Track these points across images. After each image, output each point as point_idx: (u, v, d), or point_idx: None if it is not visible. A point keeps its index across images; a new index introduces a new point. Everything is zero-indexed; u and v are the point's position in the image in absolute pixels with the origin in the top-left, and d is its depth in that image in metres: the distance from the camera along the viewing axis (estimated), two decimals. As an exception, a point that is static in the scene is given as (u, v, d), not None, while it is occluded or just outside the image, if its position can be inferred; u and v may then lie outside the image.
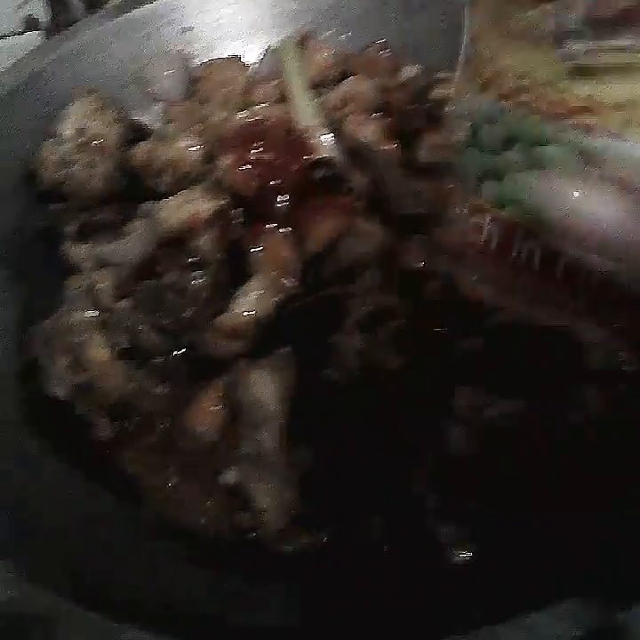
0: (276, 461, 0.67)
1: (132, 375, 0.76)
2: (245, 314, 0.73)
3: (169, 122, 0.97)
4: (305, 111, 0.91)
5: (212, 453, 0.73)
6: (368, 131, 0.87)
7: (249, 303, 0.74)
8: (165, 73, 1.02)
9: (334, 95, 0.93)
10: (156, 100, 1.02)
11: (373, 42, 1.03)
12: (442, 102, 0.86)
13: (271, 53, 1.02)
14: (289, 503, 0.67)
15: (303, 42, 1.00)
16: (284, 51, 0.99)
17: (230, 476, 0.70)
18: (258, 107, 0.94)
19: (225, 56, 1.04)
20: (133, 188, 0.90)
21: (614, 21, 0.56)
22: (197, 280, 0.79)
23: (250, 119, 0.90)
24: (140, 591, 0.59)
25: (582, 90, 0.58)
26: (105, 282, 0.81)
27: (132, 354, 0.77)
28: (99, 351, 0.75)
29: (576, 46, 0.58)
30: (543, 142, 0.60)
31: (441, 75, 0.93)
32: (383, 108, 0.91)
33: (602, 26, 0.56)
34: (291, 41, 1.00)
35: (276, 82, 0.98)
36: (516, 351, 0.66)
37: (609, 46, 0.57)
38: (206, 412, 0.74)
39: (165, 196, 0.86)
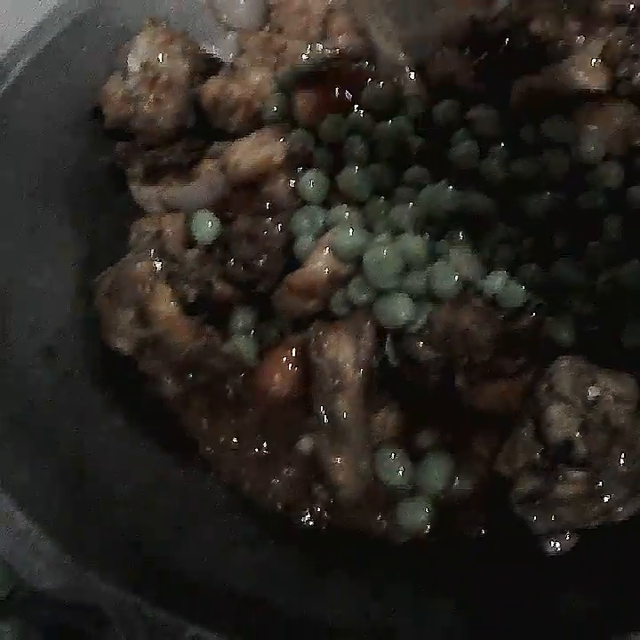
0: (352, 433, 0.63)
1: (201, 331, 0.71)
2: (321, 270, 0.67)
3: (242, 54, 0.90)
4: (388, 45, 0.84)
5: (286, 416, 0.68)
6: (457, 68, 0.79)
7: (325, 258, 0.68)
8: (239, 0, 0.95)
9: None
10: (228, 29, 0.95)
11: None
12: (540, 39, 0.77)
13: (353, -20, 0.94)
14: (365, 478, 0.62)
15: (388, -33, 0.92)
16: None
17: (306, 445, 0.66)
18: (337, 38, 0.88)
19: (303, -18, 0.96)
20: (203, 126, 0.84)
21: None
22: (271, 228, 0.73)
23: (330, 53, 0.83)
24: (203, 580, 0.55)
25: None
26: (172, 228, 0.76)
27: (200, 307, 0.72)
28: (165, 305, 0.70)
29: None
30: None
31: (538, 4, 0.84)
32: (474, 43, 0.82)
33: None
34: (374, -34, 0.92)
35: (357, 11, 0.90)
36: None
37: None
38: (279, 373, 0.69)
39: (237, 135, 0.81)
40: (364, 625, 0.54)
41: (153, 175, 0.82)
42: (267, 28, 0.95)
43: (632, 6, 0.78)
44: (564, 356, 0.59)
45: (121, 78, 0.84)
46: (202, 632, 0.49)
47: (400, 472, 0.63)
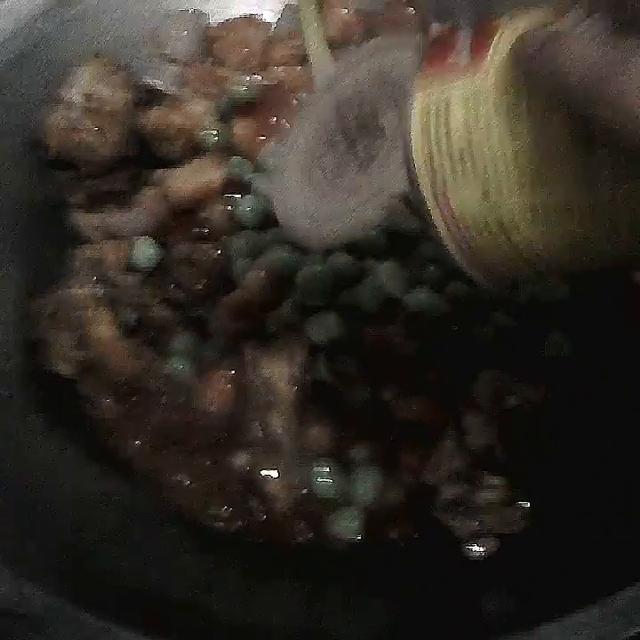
0: (286, 448, 0.64)
1: (140, 353, 0.73)
2: (256, 291, 0.69)
3: (183, 85, 0.93)
4: (324, 75, 0.86)
5: (223, 435, 0.70)
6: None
7: (260, 279, 0.70)
8: (180, 33, 0.97)
9: (356, 56, 0.88)
10: (170, 62, 0.97)
11: (400, -2, 0.97)
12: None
13: (290, 11, 0.96)
14: (298, 491, 0.64)
15: (325, -1, 0.95)
16: (303, 8, 0.94)
17: (241, 460, 0.67)
18: (276, 69, 0.90)
19: (242, 15, 0.99)
20: (145, 156, 0.86)
21: None
22: (210, 252, 0.76)
23: (267, 82, 0.86)
24: (139, 588, 0.57)
25: None
26: (113, 254, 0.78)
27: (140, 331, 0.74)
28: (104, 329, 0.72)
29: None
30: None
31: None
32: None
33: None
34: (310, -3, 0.94)
35: (296, 42, 0.93)
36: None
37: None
38: (216, 392, 0.71)
39: (178, 163, 0.83)
40: (300, 628, 0.56)
41: (95, 203, 0.83)
42: (208, 59, 0.98)
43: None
44: (484, 369, 0.62)
45: (64, 110, 0.86)
46: (133, 636, 0.50)
47: (332, 484, 0.64)
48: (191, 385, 0.72)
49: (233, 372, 0.70)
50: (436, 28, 0.51)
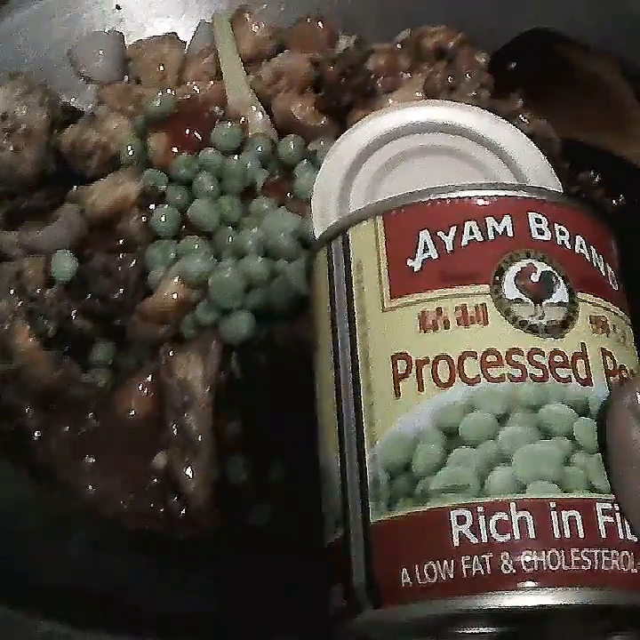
0: (202, 445, 0.66)
1: (61, 363, 0.74)
2: (171, 297, 0.71)
3: (100, 103, 0.95)
4: (237, 87, 0.89)
5: (143, 436, 0.71)
6: (299, 106, 0.84)
7: (174, 286, 0.72)
8: (97, 53, 0.99)
9: (266, 70, 0.90)
10: (88, 81, 0.99)
11: (309, 14, 1.00)
12: (373, 75, 0.84)
13: (204, 29, 0.99)
14: (214, 486, 0.66)
15: (237, 16, 0.98)
16: (217, 25, 0.97)
17: (160, 461, 0.69)
18: (191, 84, 0.93)
19: (159, 34, 1.01)
20: (64, 173, 0.88)
21: None
22: (126, 263, 0.77)
23: (182, 98, 0.88)
24: (56, 579, 0.58)
25: None
26: (33, 268, 0.80)
27: (59, 341, 0.76)
28: (24, 339, 0.73)
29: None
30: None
31: (375, 46, 0.91)
32: (316, 82, 0.88)
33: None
34: (223, 15, 0.97)
35: (211, 58, 0.96)
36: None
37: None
38: (136, 399, 0.73)
39: (95, 178, 0.85)
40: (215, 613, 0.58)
41: (14, 221, 0.85)
42: (125, 78, 1.00)
43: (451, 43, 0.85)
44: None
45: (-21, 131, 0.87)
46: (54, 627, 0.51)
47: (246, 477, 0.66)
48: (112, 393, 0.74)
49: (150, 377, 0.72)
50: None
